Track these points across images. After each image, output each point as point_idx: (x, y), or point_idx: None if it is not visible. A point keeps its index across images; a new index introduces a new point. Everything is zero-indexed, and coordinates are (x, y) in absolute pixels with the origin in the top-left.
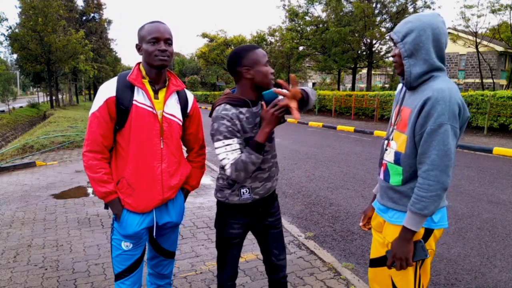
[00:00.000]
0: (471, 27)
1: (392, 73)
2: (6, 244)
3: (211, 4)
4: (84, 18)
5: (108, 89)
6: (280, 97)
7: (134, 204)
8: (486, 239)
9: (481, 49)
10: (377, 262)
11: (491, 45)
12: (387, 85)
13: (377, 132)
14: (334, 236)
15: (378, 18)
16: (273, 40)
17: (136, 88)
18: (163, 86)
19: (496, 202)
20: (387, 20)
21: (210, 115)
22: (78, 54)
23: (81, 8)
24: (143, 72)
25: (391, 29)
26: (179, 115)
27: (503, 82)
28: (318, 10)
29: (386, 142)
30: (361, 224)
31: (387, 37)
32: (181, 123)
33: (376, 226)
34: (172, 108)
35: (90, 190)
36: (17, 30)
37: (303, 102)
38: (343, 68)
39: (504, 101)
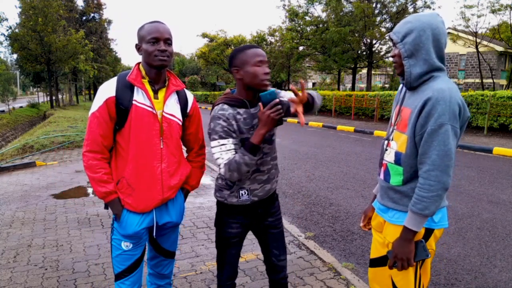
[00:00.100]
0: (471, 27)
1: (392, 73)
2: (6, 244)
3: (211, 4)
4: (84, 18)
5: (107, 89)
6: (278, 99)
7: (134, 204)
8: (486, 239)
9: (481, 49)
10: (377, 262)
11: (491, 45)
12: (387, 85)
13: (377, 132)
14: (334, 236)
15: (378, 18)
16: (273, 40)
17: (135, 88)
18: (163, 86)
19: (496, 202)
20: (387, 20)
21: None
22: (78, 54)
23: (81, 8)
24: (143, 72)
25: (391, 29)
26: (178, 115)
27: (503, 82)
28: (318, 10)
29: (386, 142)
30: (361, 224)
31: (387, 37)
32: (180, 123)
33: (376, 226)
34: (172, 108)
35: (90, 190)
36: (17, 30)
37: (308, 106)
38: (343, 68)
39: (504, 101)
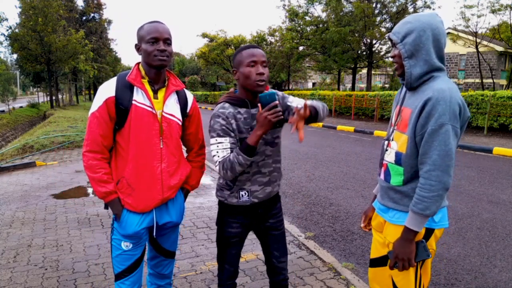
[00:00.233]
0: (471, 27)
1: (392, 73)
2: (6, 244)
3: (211, 4)
4: (84, 18)
5: (107, 89)
6: (277, 102)
7: (134, 204)
8: (486, 239)
9: (481, 49)
10: (377, 262)
11: (491, 45)
12: (387, 85)
13: (377, 132)
14: (334, 236)
15: (378, 18)
16: (273, 40)
17: (135, 88)
18: (163, 86)
19: (496, 202)
20: (387, 20)
21: None
22: (78, 54)
23: (81, 8)
24: (143, 72)
25: (391, 29)
26: (178, 115)
27: (503, 82)
28: (318, 10)
29: (386, 142)
30: (362, 225)
31: (387, 37)
32: (180, 123)
33: (376, 226)
34: (171, 108)
35: (90, 190)
36: (17, 30)
37: (311, 118)
38: (343, 68)
39: (504, 101)
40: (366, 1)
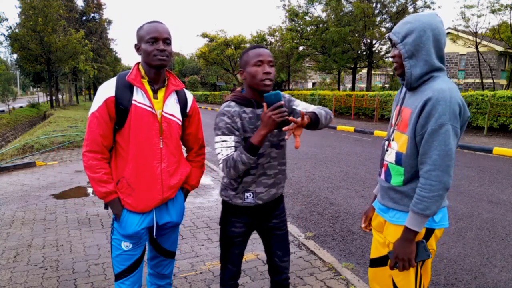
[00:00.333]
0: (471, 27)
1: (392, 73)
2: (6, 244)
3: (211, 4)
4: (84, 18)
5: (107, 89)
6: (282, 102)
7: (134, 204)
8: (486, 239)
9: (481, 49)
10: (377, 262)
11: (491, 45)
12: (387, 85)
13: (377, 132)
14: (334, 236)
15: (378, 18)
16: (273, 40)
17: (135, 88)
18: (162, 85)
19: (496, 202)
20: (387, 20)
21: None
22: (78, 54)
23: (81, 8)
24: (142, 72)
25: (391, 29)
26: (178, 114)
27: (503, 82)
28: (318, 10)
29: (387, 142)
30: (362, 226)
31: (386, 38)
32: (180, 123)
33: (376, 226)
34: (171, 107)
35: (90, 190)
36: (17, 30)
37: (311, 125)
38: (343, 68)
39: (504, 101)
40: (366, 1)
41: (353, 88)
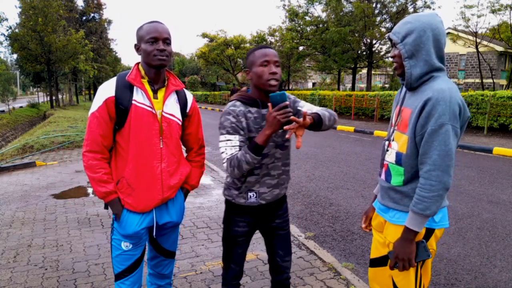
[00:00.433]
0: (471, 27)
1: (392, 73)
2: (6, 244)
3: (211, 4)
4: (84, 18)
5: (107, 89)
6: (287, 102)
7: (134, 204)
8: (486, 239)
9: (481, 49)
10: (377, 262)
11: (491, 45)
12: (387, 85)
13: (377, 132)
14: (334, 236)
15: (378, 18)
16: (273, 40)
17: (135, 88)
18: (162, 85)
19: (496, 202)
20: (387, 20)
21: None
22: (78, 54)
23: (81, 8)
24: (142, 72)
25: (391, 29)
26: (178, 114)
27: (503, 82)
28: (318, 10)
29: (387, 143)
30: (363, 226)
31: (386, 38)
32: (180, 123)
33: (376, 226)
34: (171, 107)
35: (90, 190)
36: (17, 30)
37: (314, 126)
38: (343, 68)
39: (504, 101)
40: (366, 1)
41: (353, 88)
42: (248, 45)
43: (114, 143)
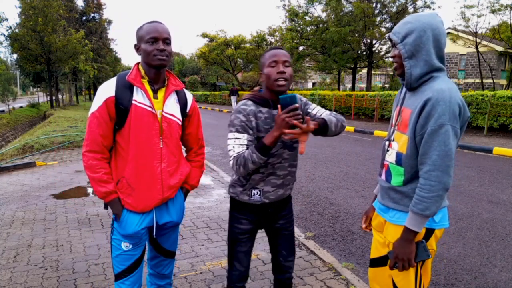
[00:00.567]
0: (471, 27)
1: (392, 73)
2: (6, 244)
3: (211, 4)
4: (84, 18)
5: (107, 89)
6: (297, 105)
7: (134, 204)
8: (486, 239)
9: (481, 49)
10: (377, 262)
11: (491, 45)
12: (387, 85)
13: (377, 132)
14: (334, 236)
15: (378, 18)
16: (273, 40)
17: (135, 88)
18: (162, 85)
19: (496, 202)
20: (387, 20)
21: None
22: (78, 54)
23: (81, 8)
24: (142, 72)
25: (391, 29)
26: (178, 114)
27: (503, 82)
28: (318, 10)
29: (387, 143)
30: (363, 226)
31: (386, 38)
32: (180, 123)
33: (376, 226)
34: (171, 107)
35: (90, 190)
36: (17, 30)
37: (319, 131)
38: (343, 68)
39: (504, 101)
40: (366, 1)
41: (353, 88)
42: (248, 45)
43: (114, 143)
